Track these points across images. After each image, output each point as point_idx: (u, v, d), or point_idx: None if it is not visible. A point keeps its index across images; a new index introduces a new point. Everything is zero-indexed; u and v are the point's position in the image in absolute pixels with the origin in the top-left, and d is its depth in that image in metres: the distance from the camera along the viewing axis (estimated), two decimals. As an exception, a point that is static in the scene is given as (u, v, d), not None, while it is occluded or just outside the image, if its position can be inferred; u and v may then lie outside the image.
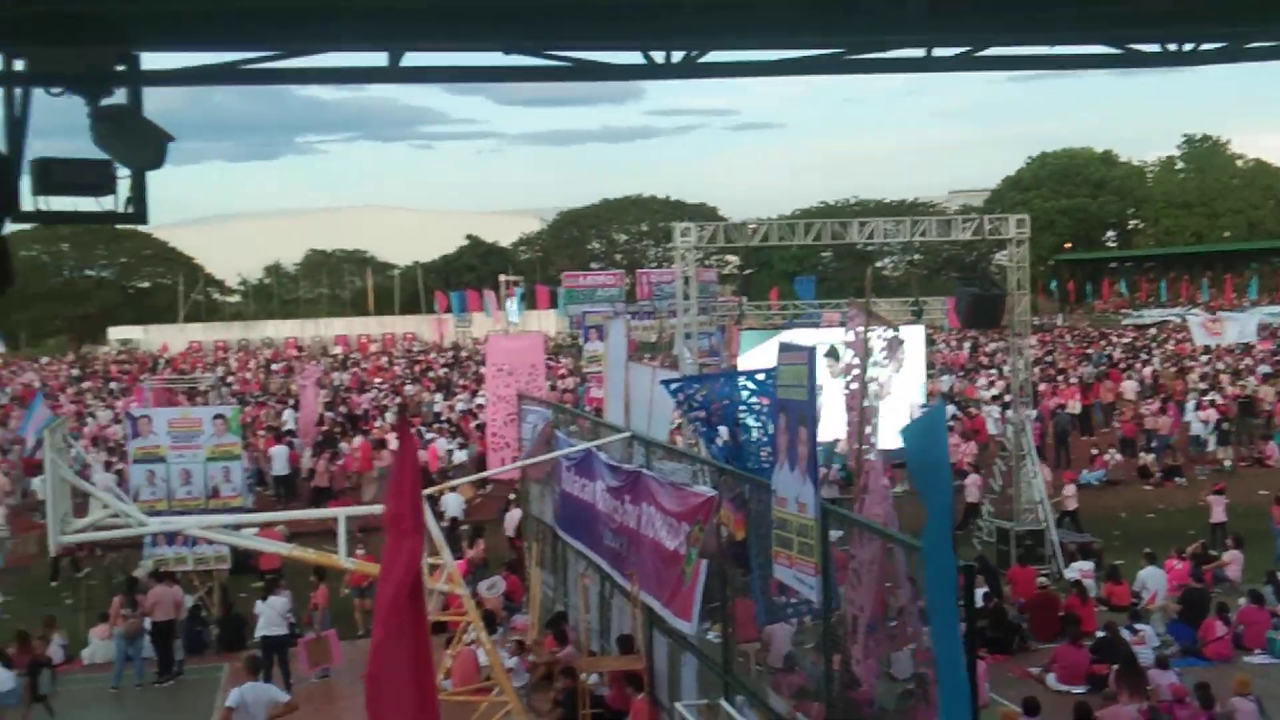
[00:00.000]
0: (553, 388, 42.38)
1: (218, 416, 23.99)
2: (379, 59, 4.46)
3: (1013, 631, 20.26)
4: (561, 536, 20.50)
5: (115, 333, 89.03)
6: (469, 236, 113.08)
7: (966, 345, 60.84)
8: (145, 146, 5.72)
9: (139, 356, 78.20)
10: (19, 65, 5.49)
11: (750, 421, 13.72)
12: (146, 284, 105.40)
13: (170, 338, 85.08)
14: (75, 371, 68.67)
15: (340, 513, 17.31)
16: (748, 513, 12.52)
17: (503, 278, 79.81)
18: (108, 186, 6.16)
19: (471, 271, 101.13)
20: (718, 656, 13.90)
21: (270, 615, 19.85)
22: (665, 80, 4.85)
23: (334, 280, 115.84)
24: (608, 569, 17.67)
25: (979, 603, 18.97)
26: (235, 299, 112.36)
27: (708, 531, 13.25)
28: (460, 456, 34.46)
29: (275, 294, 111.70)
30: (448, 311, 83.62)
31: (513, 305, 65.59)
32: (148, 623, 20.77)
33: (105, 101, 5.53)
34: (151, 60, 5.14)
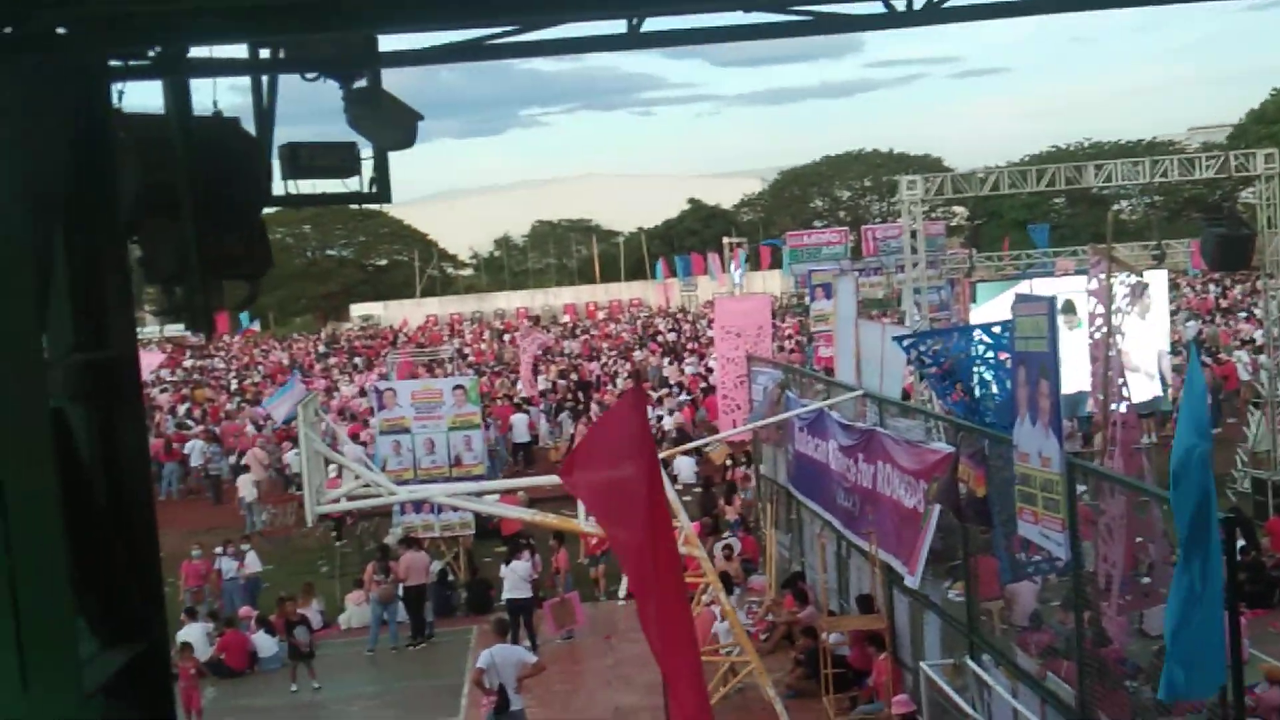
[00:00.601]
0: (780, 348, 42.23)
1: (457, 387, 24.65)
2: (618, 26, 4.47)
3: (1273, 586, 19.35)
4: (796, 496, 20.44)
5: (357, 309, 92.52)
6: (691, 200, 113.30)
7: (1213, 289, 58.17)
8: (396, 126, 5.88)
9: (380, 331, 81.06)
10: (264, 54, 5.70)
11: (986, 375, 13.41)
12: (384, 261, 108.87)
13: (408, 312, 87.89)
14: (322, 348, 71.55)
15: (578, 478, 17.62)
16: (988, 469, 12.25)
17: (726, 240, 79.72)
18: (352, 168, 6.34)
19: (694, 235, 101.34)
20: (961, 615, 13.67)
21: (514, 579, 20.37)
22: (905, 29, 4.71)
23: (561, 250, 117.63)
24: (841, 528, 17.56)
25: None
26: (468, 272, 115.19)
27: (945, 487, 13.03)
28: (668, 422, 34.36)
29: (505, 266, 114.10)
30: (672, 276, 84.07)
31: (737, 267, 65.56)
32: (400, 588, 21.57)
33: (356, 85, 5.71)
34: (390, 41, 5.29)
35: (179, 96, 4.77)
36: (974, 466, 12.50)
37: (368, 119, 5.85)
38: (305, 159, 6.22)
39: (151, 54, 4.36)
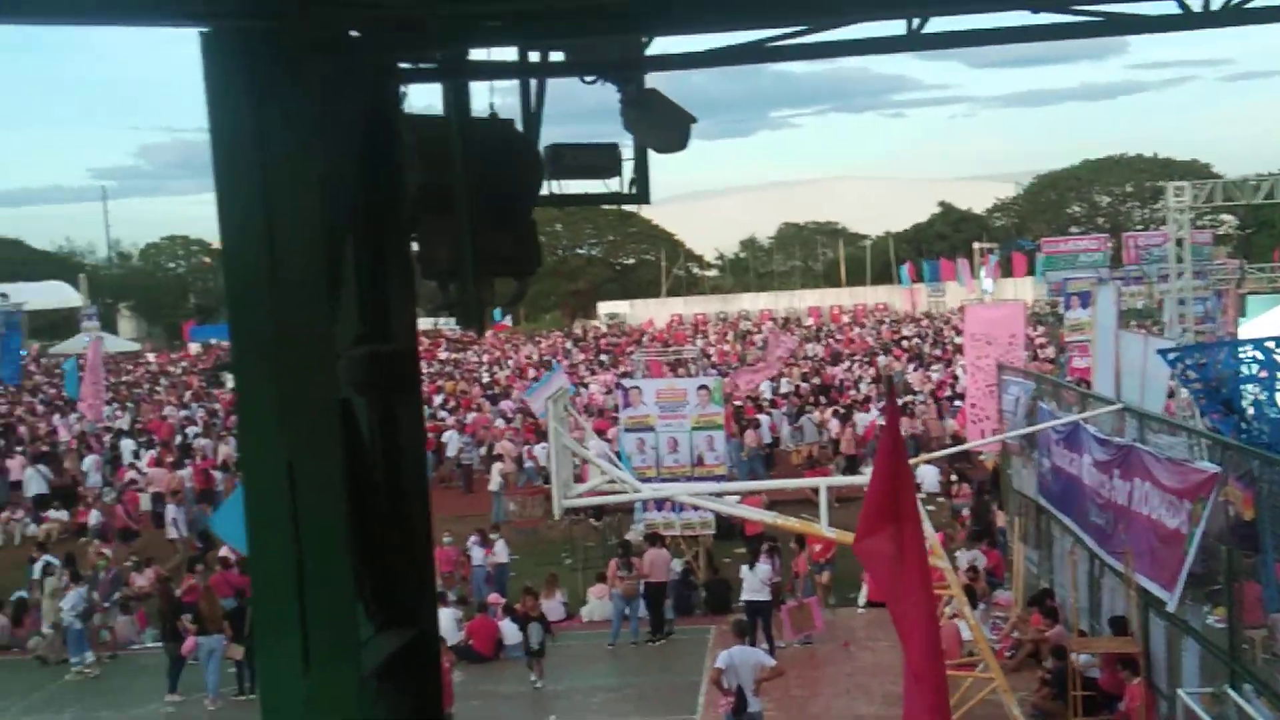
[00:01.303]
0: (1033, 358, 41.04)
1: (701, 387, 24.77)
2: (897, 27, 4.38)
3: None
4: (1047, 511, 19.83)
5: (604, 307, 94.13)
6: (941, 204, 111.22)
7: None
8: (671, 129, 5.93)
9: (626, 329, 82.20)
10: (533, 57, 5.82)
11: (1257, 394, 12.77)
12: (631, 260, 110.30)
13: (654, 311, 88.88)
14: (569, 345, 72.97)
15: (821, 482, 17.50)
16: (1258, 491, 11.64)
17: (976, 245, 77.87)
18: (614, 169, 6.42)
19: (944, 240, 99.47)
20: (1221, 642, 13.03)
21: (754, 581, 20.36)
22: (1199, 30, 4.47)
23: (806, 252, 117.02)
24: (1093, 546, 16.95)
25: None
26: (713, 273, 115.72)
27: (1213, 509, 12.43)
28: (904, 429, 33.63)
29: (750, 267, 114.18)
30: (919, 281, 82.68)
31: (987, 273, 64.01)
32: (642, 584, 21.81)
33: (633, 88, 5.78)
34: (661, 44, 5.32)
35: (458, 98, 4.92)
36: (1242, 488, 11.90)
37: (643, 122, 5.91)
38: (569, 160, 6.32)
39: (435, 58, 4.50)
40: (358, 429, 3.77)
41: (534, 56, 5.79)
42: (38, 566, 25.66)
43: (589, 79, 5.56)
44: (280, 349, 3.23)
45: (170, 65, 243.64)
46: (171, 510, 28.71)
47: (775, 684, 16.45)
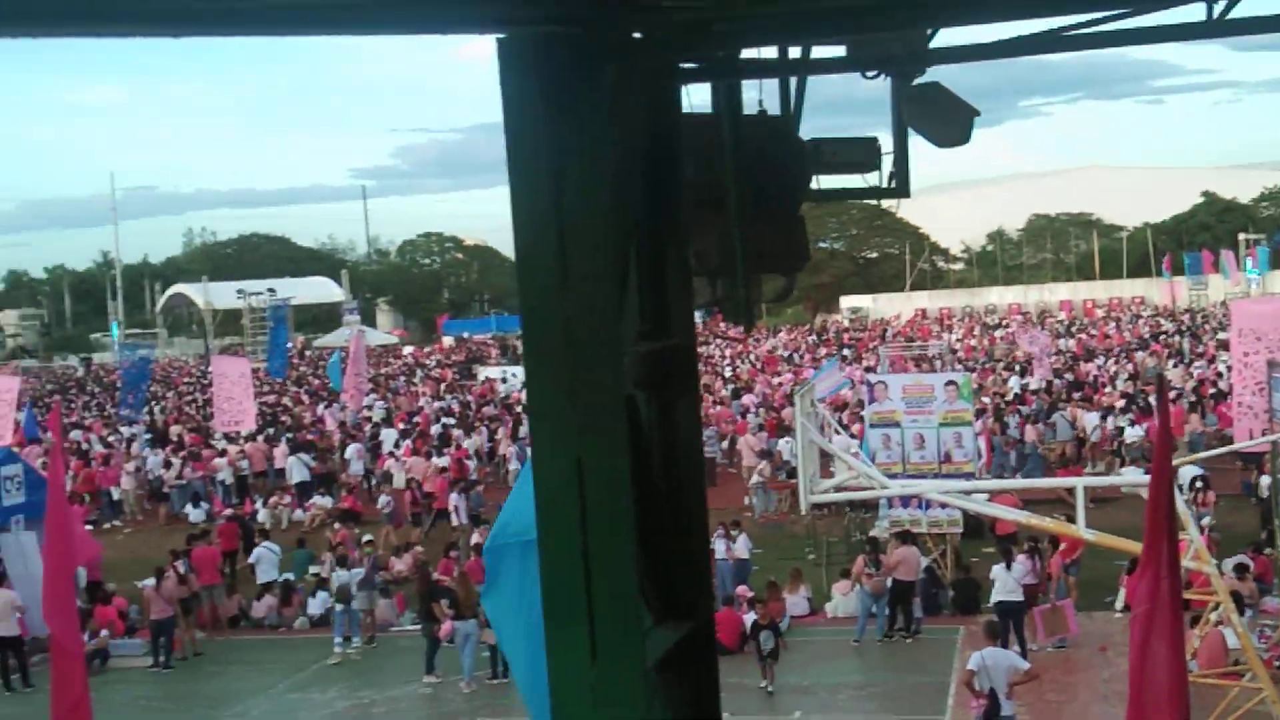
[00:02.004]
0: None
1: (949, 383, 24.31)
2: (1196, 12, 4.17)
3: None
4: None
5: (846, 301, 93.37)
6: (1204, 193, 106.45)
7: None
8: (953, 123, 5.85)
9: (869, 324, 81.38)
10: (793, 52, 5.81)
11: None
12: (874, 254, 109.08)
13: (898, 306, 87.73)
14: (813, 338, 72.64)
15: (1078, 482, 17.01)
16: None
17: (1242, 236, 74.18)
18: (874, 163, 6.36)
19: (1207, 231, 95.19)
20: None
21: (1008, 581, 19.89)
22: None
23: (1058, 244, 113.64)
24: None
25: None
26: (959, 266, 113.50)
27: None
28: (1134, 434, 31.84)
29: (998, 260, 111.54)
30: (1179, 274, 79.30)
31: (1254, 265, 60.92)
32: (889, 581, 21.56)
33: (917, 82, 5.73)
34: (945, 36, 5.22)
35: (730, 97, 4.96)
36: None
37: (925, 116, 5.84)
38: (828, 155, 6.28)
39: (710, 57, 4.54)
40: (641, 425, 3.84)
41: (794, 52, 5.79)
42: (303, 553, 27.09)
43: (870, 74, 5.52)
44: (570, 346, 3.32)
45: (426, 70, 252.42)
46: (455, 498, 29.76)
47: (1029, 688, 16.05)
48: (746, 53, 5.06)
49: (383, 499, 30.88)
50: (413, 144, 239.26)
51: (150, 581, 22.45)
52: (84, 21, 2.66)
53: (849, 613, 22.44)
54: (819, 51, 5.69)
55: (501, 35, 3.35)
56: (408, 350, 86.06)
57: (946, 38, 5.29)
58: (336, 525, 29.49)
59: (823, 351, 64.17)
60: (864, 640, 21.51)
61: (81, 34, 2.90)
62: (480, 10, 3.12)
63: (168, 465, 35.38)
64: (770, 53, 5.56)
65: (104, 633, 22.48)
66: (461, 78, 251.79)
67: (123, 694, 20.70)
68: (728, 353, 65.32)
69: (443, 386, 54.83)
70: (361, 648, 22.64)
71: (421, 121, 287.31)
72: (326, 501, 32.61)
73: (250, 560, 25.61)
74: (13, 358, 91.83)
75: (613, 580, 3.28)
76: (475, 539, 25.45)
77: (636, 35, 3.74)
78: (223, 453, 35.38)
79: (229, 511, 31.17)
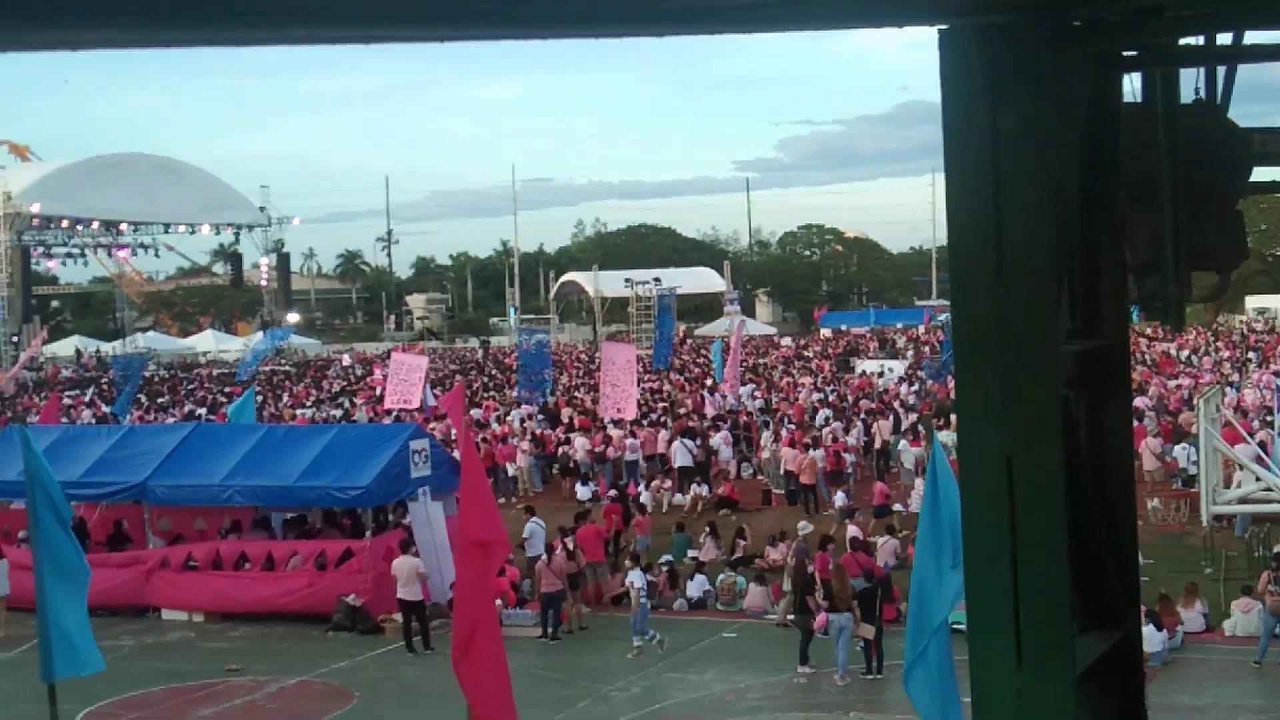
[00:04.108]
0: None
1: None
2: None
3: None
4: None
5: (1252, 301, 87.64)
6: None
7: None
8: None
9: (1277, 326, 76.10)
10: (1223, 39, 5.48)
11: None
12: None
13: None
14: (1212, 339, 68.56)
15: None
16: None
17: None
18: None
19: None
20: None
21: None
22: None
23: None
24: None
25: None
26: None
27: None
28: None
29: None
30: None
31: None
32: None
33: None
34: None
35: (1166, 86, 4.72)
36: None
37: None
38: (1258, 144, 5.87)
39: (1149, 45, 4.34)
40: (1074, 426, 3.73)
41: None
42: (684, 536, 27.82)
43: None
44: (1003, 343, 3.25)
45: (811, 62, 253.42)
46: (840, 497, 30.05)
47: None
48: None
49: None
50: (795, 136, 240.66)
51: (542, 555, 23.55)
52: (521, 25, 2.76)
53: (1249, 632, 21.05)
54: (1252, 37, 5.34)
55: (944, 26, 3.31)
56: (786, 341, 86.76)
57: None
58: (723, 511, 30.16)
59: (1224, 354, 60.45)
60: (1264, 662, 20.14)
61: (525, 37, 3.01)
62: (925, 3, 3.10)
63: (561, 444, 37.06)
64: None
65: (498, 602, 23.74)
66: (847, 70, 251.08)
67: (514, 661, 21.69)
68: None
69: (820, 378, 54.92)
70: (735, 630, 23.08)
71: (805, 114, 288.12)
72: (703, 489, 33.26)
73: (524, 535, 26.24)
74: (420, 339, 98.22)
75: (1042, 584, 3.19)
76: (852, 531, 25.39)
77: (1076, 24, 3.61)
78: (607, 438, 36.64)
79: (614, 492, 32.31)
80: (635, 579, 22.05)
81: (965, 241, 3.35)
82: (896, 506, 30.29)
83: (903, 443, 34.04)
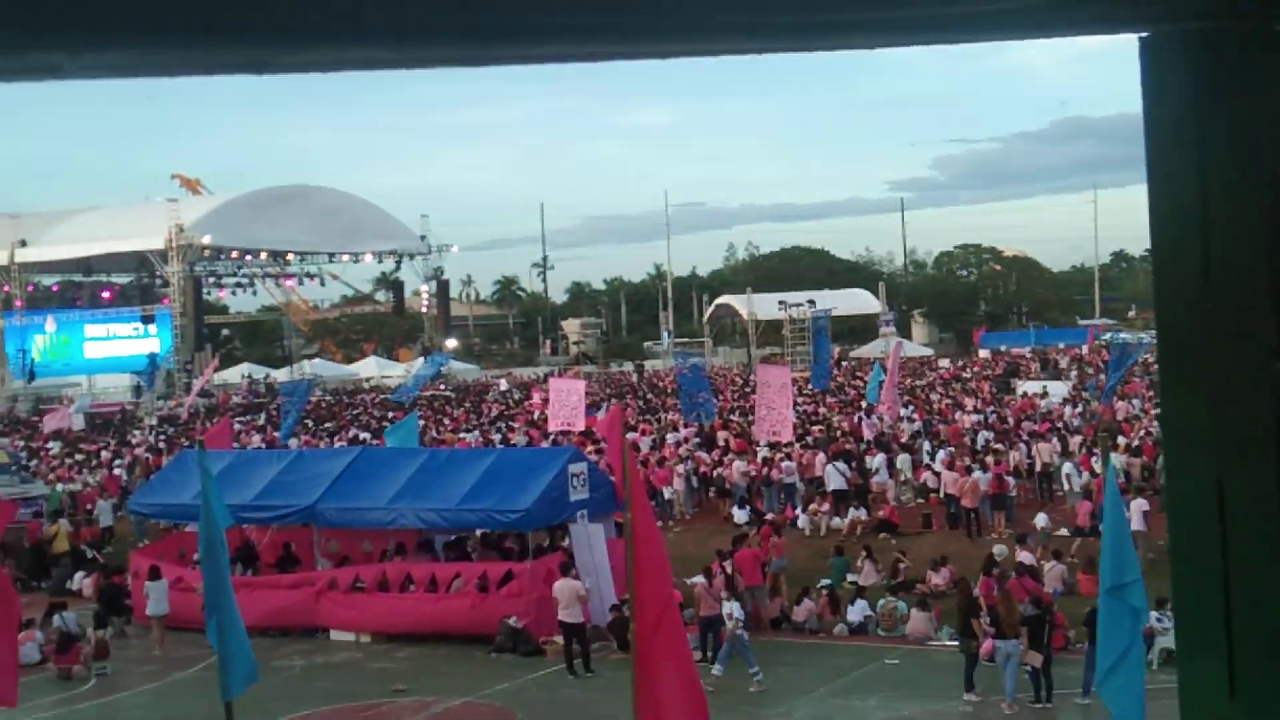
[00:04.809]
0: None
1: None
2: None
3: None
4: None
5: None
6: None
7: None
8: None
9: None
10: None
11: None
12: None
13: None
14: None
15: None
16: None
17: None
18: None
19: None
20: None
21: None
22: None
23: None
24: None
25: None
26: None
27: None
28: None
29: None
30: None
31: None
32: None
33: None
34: None
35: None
36: None
37: None
38: None
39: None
40: (1284, 447, 3.55)
41: None
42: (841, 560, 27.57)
43: None
44: (1213, 360, 3.11)
45: (964, 79, 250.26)
46: (1042, 518, 29.57)
47: None
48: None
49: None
50: (950, 155, 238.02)
51: (700, 579, 23.53)
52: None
53: None
54: None
55: (1145, 33, 3.20)
56: (944, 363, 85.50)
57: None
58: (882, 535, 29.87)
59: None
60: None
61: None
62: (1128, 9, 2.99)
63: (715, 467, 37.04)
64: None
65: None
66: (1002, 86, 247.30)
67: (674, 684, 21.79)
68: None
69: (980, 400, 53.99)
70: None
71: (959, 132, 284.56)
72: (861, 513, 32.90)
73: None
74: (575, 363, 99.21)
75: (1257, 610, 3.04)
76: (1022, 556, 24.87)
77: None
78: (768, 460, 36.50)
79: (770, 516, 32.16)
80: (732, 609, 21.76)
81: (1169, 255, 3.20)
82: (1062, 530, 29.60)
83: (1068, 465, 33.25)
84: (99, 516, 36.65)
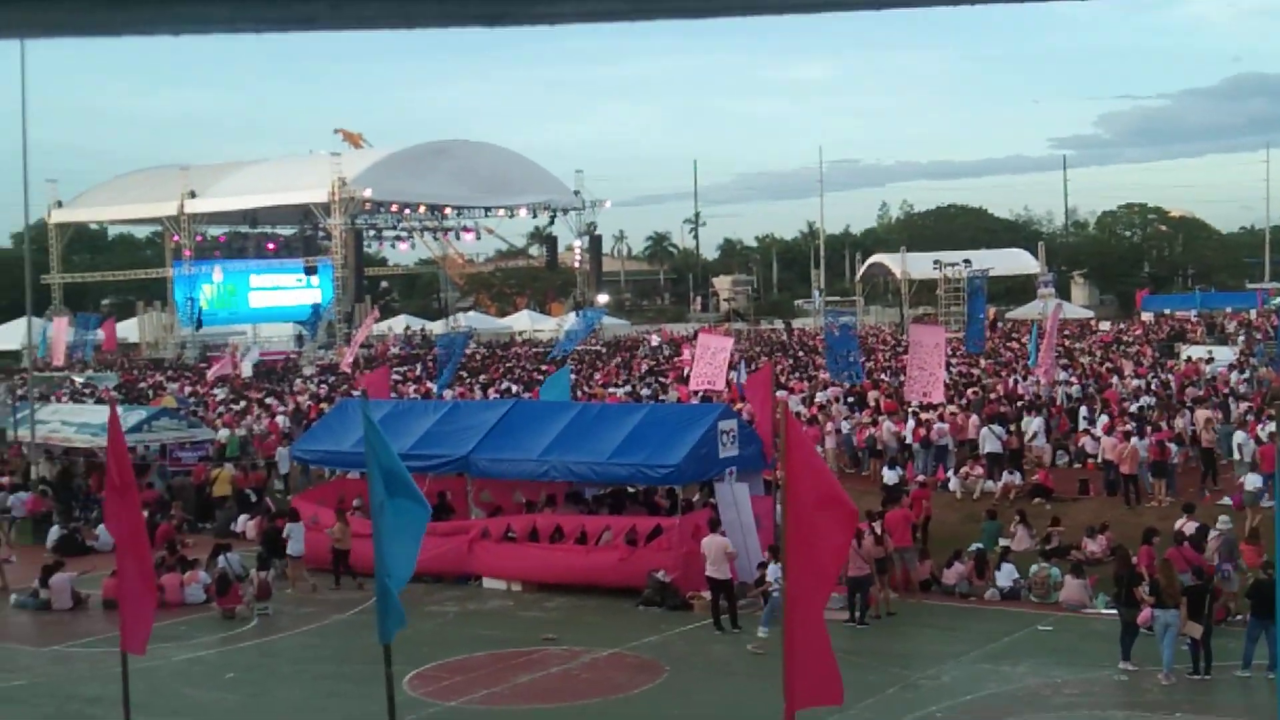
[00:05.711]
0: None
1: None
2: None
3: None
4: None
5: None
6: None
7: None
8: None
9: None
10: None
11: None
12: None
13: None
14: None
15: None
16: None
17: None
18: None
19: None
20: None
21: None
22: None
23: None
24: None
25: None
26: None
27: None
28: None
29: None
30: None
31: None
32: None
33: None
34: None
35: None
36: None
37: None
38: None
39: None
40: None
41: None
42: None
43: None
44: None
45: (1132, 34, 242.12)
46: (1256, 479, 28.52)
47: None
48: None
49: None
50: (1116, 111, 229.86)
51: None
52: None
53: None
54: None
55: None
56: (1104, 325, 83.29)
57: None
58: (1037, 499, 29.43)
59: None
60: None
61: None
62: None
63: (868, 425, 36.75)
64: None
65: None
66: (1171, 41, 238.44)
67: (824, 644, 21.73)
68: None
69: (1142, 364, 52.51)
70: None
71: (1126, 88, 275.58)
72: (1015, 478, 32.29)
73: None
74: (725, 320, 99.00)
75: None
76: (1180, 524, 24.25)
77: None
78: (923, 422, 36.00)
79: (921, 478, 31.79)
80: (771, 573, 21.40)
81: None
82: (1225, 499, 28.73)
83: (1239, 433, 32.15)
84: (279, 462, 37.68)
